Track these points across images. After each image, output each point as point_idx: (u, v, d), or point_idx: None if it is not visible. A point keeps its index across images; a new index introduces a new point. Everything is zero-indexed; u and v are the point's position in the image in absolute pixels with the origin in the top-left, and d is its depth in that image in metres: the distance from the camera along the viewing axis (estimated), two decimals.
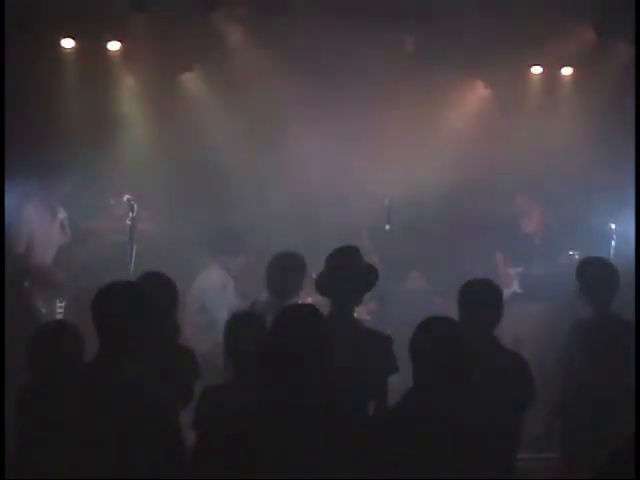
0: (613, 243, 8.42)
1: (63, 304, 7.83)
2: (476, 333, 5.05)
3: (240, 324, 5.11)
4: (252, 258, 7.91)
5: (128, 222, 7.54)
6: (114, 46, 8.89)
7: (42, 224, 7.95)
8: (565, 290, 7.56)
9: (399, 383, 4.50)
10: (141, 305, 4.12)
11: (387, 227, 7.98)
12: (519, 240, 8.88)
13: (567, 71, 9.64)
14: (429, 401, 4.11)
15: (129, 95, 9.08)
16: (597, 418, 4.84)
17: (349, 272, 5.28)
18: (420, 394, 4.15)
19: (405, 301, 7.97)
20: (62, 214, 8.07)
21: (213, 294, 8.02)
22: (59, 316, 7.68)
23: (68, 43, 8.79)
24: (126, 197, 7.66)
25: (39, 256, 7.94)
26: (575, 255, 8.53)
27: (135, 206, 7.60)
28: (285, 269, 6.25)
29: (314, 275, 6.26)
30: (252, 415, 3.83)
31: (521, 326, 7.93)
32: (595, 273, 6.08)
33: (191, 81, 9.29)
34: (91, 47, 8.81)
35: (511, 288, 8.70)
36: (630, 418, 4.36)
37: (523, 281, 8.76)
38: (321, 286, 5.42)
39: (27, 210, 7.88)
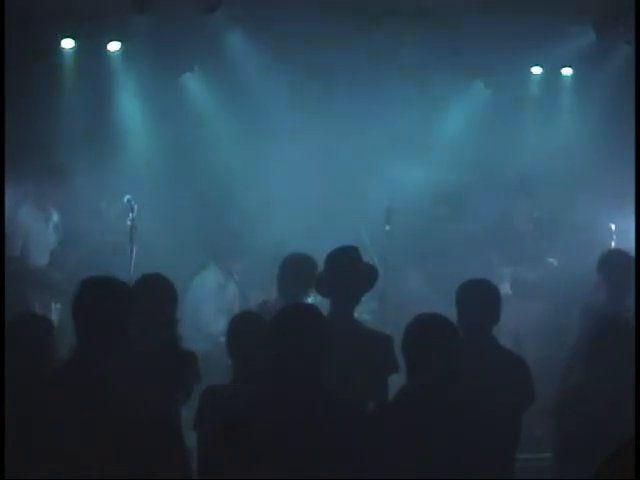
0: (613, 243, 8.42)
1: (59, 306, 7.82)
2: (474, 333, 5.06)
3: (242, 324, 5.11)
4: (252, 259, 7.91)
5: (128, 222, 7.54)
6: (114, 46, 8.88)
7: (37, 227, 7.93)
8: (557, 291, 7.57)
9: (399, 383, 4.50)
10: (124, 299, 4.09)
11: (387, 227, 7.98)
12: (512, 240, 8.81)
13: (567, 71, 9.64)
14: (424, 400, 4.13)
15: (129, 95, 9.08)
16: (597, 418, 4.84)
17: (349, 272, 5.29)
18: (415, 392, 4.17)
19: (405, 301, 7.95)
20: (55, 216, 8.06)
21: (206, 295, 8.04)
22: (55, 318, 7.66)
23: (68, 43, 8.78)
24: (126, 197, 7.66)
25: (35, 258, 7.92)
26: (554, 262, 8.55)
27: (135, 206, 7.60)
28: (297, 272, 6.22)
29: None
30: (252, 415, 3.83)
31: (518, 326, 7.92)
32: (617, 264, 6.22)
33: (191, 81, 9.29)
34: (91, 47, 8.80)
35: (503, 289, 8.61)
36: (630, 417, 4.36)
37: (515, 282, 8.66)
38: (321, 286, 5.43)
39: (22, 213, 7.86)
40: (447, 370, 4.16)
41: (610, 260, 6.43)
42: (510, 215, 8.89)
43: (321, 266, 5.51)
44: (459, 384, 4.41)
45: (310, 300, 7.00)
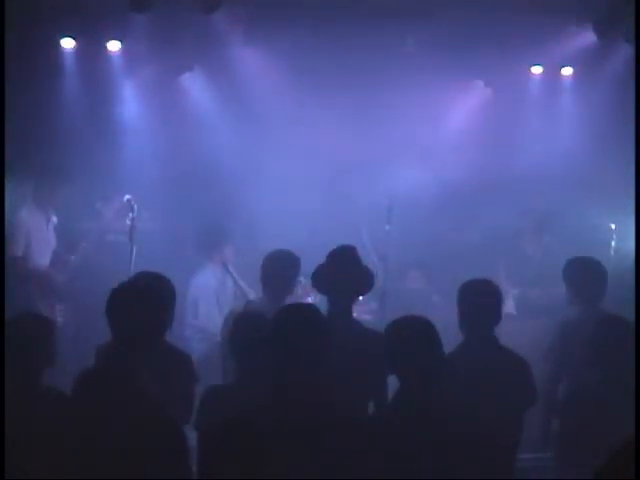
0: (613, 243, 8.41)
1: (62, 307, 7.82)
2: (476, 332, 5.06)
3: (243, 323, 5.11)
4: (250, 257, 7.89)
5: (128, 222, 7.54)
6: (114, 46, 8.88)
7: (38, 227, 7.94)
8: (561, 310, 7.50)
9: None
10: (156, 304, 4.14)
11: (387, 227, 7.99)
12: (519, 259, 8.74)
13: (567, 71, 9.64)
14: (412, 401, 4.14)
15: (129, 95, 9.08)
16: (595, 418, 4.84)
17: (346, 271, 5.30)
18: (402, 395, 4.19)
19: (405, 301, 7.95)
20: (53, 217, 8.06)
21: (207, 294, 8.03)
22: (60, 319, 7.67)
23: (68, 43, 8.79)
24: (126, 197, 7.66)
25: (37, 259, 7.92)
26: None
27: (135, 206, 7.60)
28: (279, 269, 6.24)
29: (302, 279, 6.27)
30: (253, 415, 3.83)
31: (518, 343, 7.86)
32: (583, 272, 6.17)
33: (191, 81, 9.29)
34: (91, 47, 8.80)
35: (506, 308, 8.51)
36: (630, 418, 4.37)
37: (519, 303, 8.57)
38: (319, 283, 5.43)
39: (23, 213, 7.86)
40: (429, 371, 4.18)
41: (570, 270, 6.34)
42: (519, 237, 8.82)
43: (317, 265, 5.52)
44: (458, 384, 4.42)
45: (310, 300, 7.01)
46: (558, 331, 6.21)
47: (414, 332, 4.28)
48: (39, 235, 7.93)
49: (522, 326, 8.03)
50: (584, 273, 6.21)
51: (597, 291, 6.15)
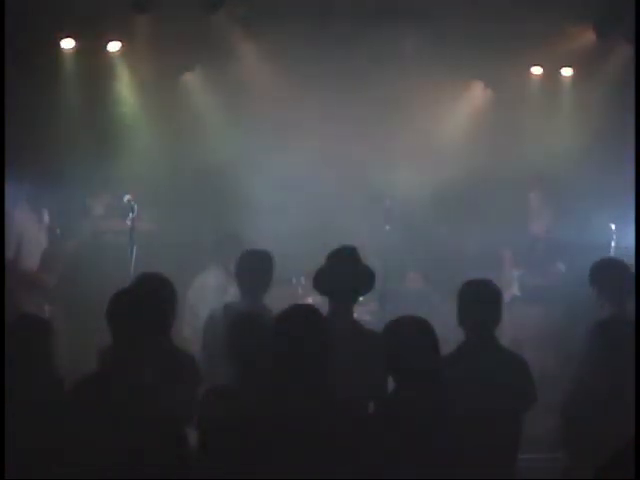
0: (613, 243, 8.41)
1: (52, 308, 7.80)
2: (475, 333, 5.06)
3: (242, 324, 5.10)
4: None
5: (128, 223, 7.53)
6: (114, 46, 8.89)
7: (30, 228, 7.92)
8: (563, 294, 7.53)
9: None
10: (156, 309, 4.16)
11: (387, 227, 7.99)
12: (525, 242, 8.79)
13: (567, 71, 9.65)
14: (409, 401, 4.14)
15: (129, 95, 9.08)
16: (599, 418, 4.84)
17: (346, 271, 5.30)
18: (399, 394, 4.20)
19: (405, 301, 7.95)
20: (46, 217, 8.05)
21: (208, 296, 8.01)
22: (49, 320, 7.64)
23: (68, 43, 8.79)
24: (126, 197, 7.65)
25: (27, 261, 7.89)
26: (562, 268, 8.52)
27: (135, 206, 7.59)
28: (254, 268, 6.22)
29: (294, 280, 6.25)
30: (253, 415, 3.83)
31: (521, 329, 7.90)
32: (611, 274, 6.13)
33: (191, 81, 9.29)
34: (91, 47, 8.81)
35: (512, 290, 8.63)
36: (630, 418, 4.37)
37: (523, 284, 8.66)
38: (319, 284, 5.43)
39: (16, 214, 7.84)
40: (426, 371, 4.19)
41: (599, 273, 6.28)
42: (529, 217, 8.87)
43: (318, 265, 5.52)
44: (457, 384, 4.42)
45: (310, 300, 7.01)
46: (590, 333, 6.09)
47: (411, 332, 4.28)
48: (31, 235, 7.90)
49: (526, 311, 8.06)
50: (613, 275, 6.16)
51: (627, 293, 6.11)
